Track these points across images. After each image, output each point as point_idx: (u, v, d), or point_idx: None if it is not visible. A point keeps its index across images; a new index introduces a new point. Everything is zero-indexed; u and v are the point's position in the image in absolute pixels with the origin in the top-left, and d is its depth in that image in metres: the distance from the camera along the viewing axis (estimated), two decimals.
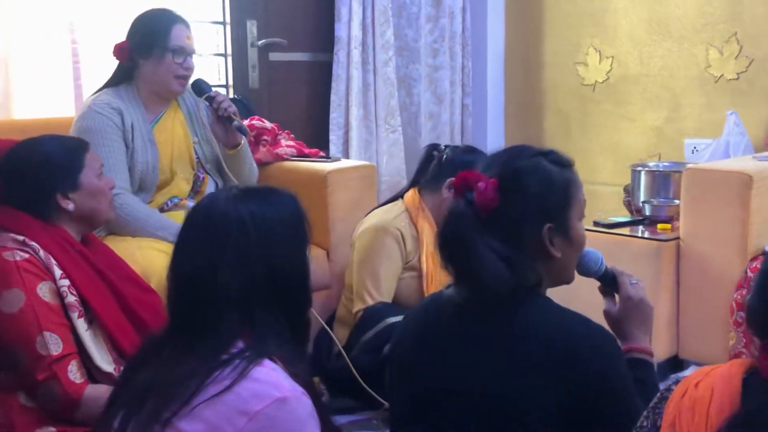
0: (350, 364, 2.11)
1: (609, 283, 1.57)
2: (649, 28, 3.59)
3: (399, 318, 2.17)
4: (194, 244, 1.34)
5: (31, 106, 2.82)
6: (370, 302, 2.27)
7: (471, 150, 2.47)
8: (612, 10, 3.71)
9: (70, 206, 1.81)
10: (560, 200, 1.39)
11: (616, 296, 1.57)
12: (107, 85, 2.47)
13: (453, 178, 2.28)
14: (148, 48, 2.40)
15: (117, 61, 2.48)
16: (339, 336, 2.37)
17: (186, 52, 2.43)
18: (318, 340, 2.42)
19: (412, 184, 2.50)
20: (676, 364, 2.66)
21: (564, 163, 1.43)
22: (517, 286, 1.32)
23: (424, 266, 2.35)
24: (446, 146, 2.46)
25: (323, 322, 2.25)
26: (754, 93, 3.28)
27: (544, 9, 3.98)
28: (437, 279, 2.35)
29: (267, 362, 1.24)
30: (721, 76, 3.38)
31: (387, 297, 2.31)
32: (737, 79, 3.34)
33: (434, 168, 2.42)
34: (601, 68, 3.77)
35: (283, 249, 1.34)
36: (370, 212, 2.53)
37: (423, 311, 1.50)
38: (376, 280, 2.29)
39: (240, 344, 1.27)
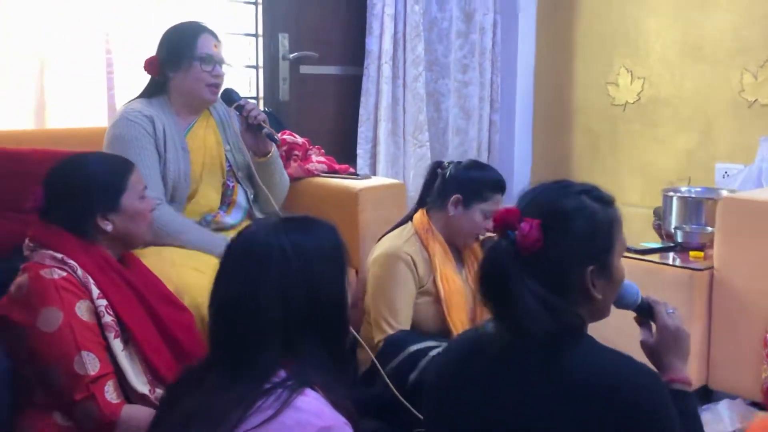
0: (389, 383, 2.08)
1: (645, 313, 1.56)
2: (682, 51, 3.56)
3: (421, 345, 2.15)
4: (236, 273, 1.35)
5: (65, 115, 2.82)
6: (389, 331, 2.24)
7: (475, 165, 2.43)
8: (645, 31, 3.69)
9: (109, 227, 1.81)
10: (604, 242, 1.37)
11: (653, 325, 1.55)
12: (140, 96, 2.48)
13: (458, 194, 2.32)
14: (177, 59, 2.41)
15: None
16: (362, 357, 2.35)
17: (214, 60, 2.44)
18: None
19: (419, 204, 2.47)
20: (705, 394, 2.63)
21: (607, 201, 1.41)
22: (559, 329, 1.30)
23: (440, 290, 2.31)
24: (450, 163, 2.43)
25: (362, 341, 2.23)
26: None
27: (575, 27, 3.96)
28: (455, 302, 2.32)
29: (309, 391, 1.25)
30: (755, 101, 3.35)
31: (405, 324, 2.27)
32: None
33: (439, 186, 2.39)
34: (633, 89, 3.74)
35: (323, 278, 1.35)
36: (382, 236, 2.50)
37: (465, 347, 1.48)
38: (392, 308, 2.26)
39: (282, 373, 1.27)
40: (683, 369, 1.49)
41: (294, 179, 2.83)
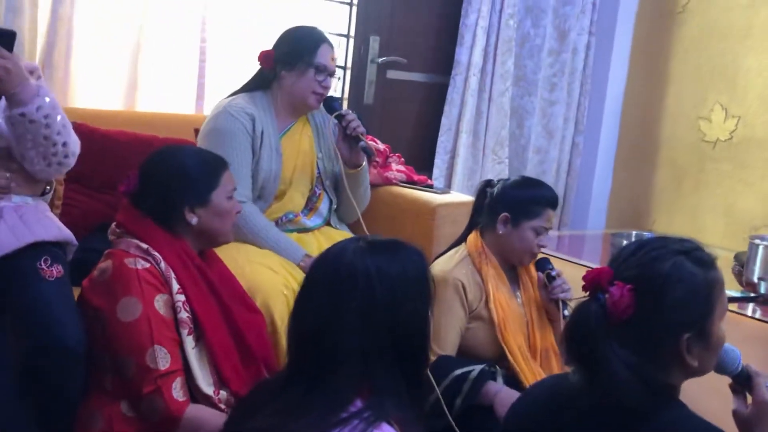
0: (449, 416, 2.05)
1: (743, 382, 1.48)
2: None
3: (465, 369, 2.10)
4: (319, 295, 1.33)
5: (155, 99, 2.86)
6: (432, 357, 2.20)
7: (523, 182, 2.32)
8: (745, 69, 3.56)
9: (194, 220, 1.81)
10: (702, 308, 1.29)
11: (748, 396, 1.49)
12: (243, 89, 2.49)
13: (506, 213, 2.24)
14: (294, 60, 2.41)
15: (244, 66, 2.50)
16: None
17: (328, 71, 2.44)
18: None
19: (471, 225, 2.40)
20: None
21: (708, 263, 1.32)
22: (648, 395, 1.24)
23: (494, 315, 2.25)
24: (499, 180, 2.35)
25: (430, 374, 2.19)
26: None
27: (671, 58, 3.85)
28: (510, 326, 2.26)
29: (385, 426, 1.22)
30: None
31: (450, 350, 2.21)
32: None
33: (488, 204, 2.30)
34: (726, 126, 3.62)
35: (406, 307, 1.32)
36: (436, 258, 2.44)
37: (551, 395, 1.43)
38: (437, 334, 2.20)
39: (358, 403, 1.25)
40: None
41: (372, 186, 2.80)
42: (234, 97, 2.45)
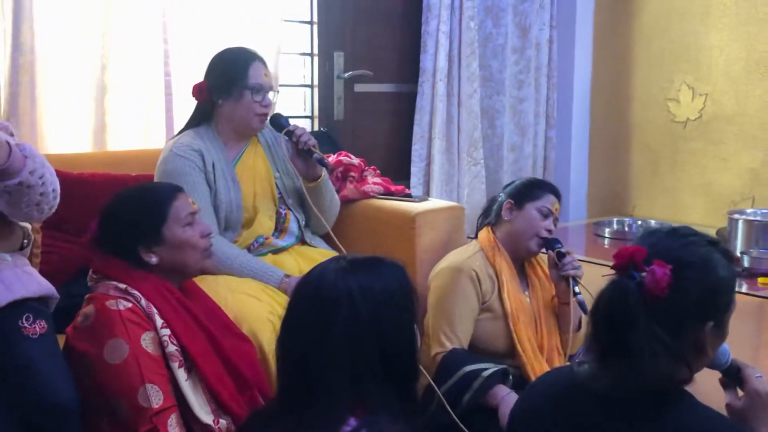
0: (454, 415, 2.06)
1: (733, 376, 1.50)
2: (747, 67, 3.47)
3: (475, 366, 2.12)
4: (304, 319, 1.34)
5: (125, 138, 2.85)
6: (448, 345, 2.22)
7: (531, 181, 2.44)
8: (707, 47, 3.60)
9: (154, 260, 1.81)
10: (726, 299, 1.33)
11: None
12: (187, 126, 2.49)
13: (510, 199, 2.30)
14: (228, 87, 2.40)
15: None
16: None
17: (264, 90, 2.43)
18: None
19: (483, 224, 2.47)
20: None
21: (731, 258, 1.37)
22: (670, 381, 1.26)
23: (507, 306, 2.29)
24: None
25: (426, 373, 2.20)
26: None
27: (633, 43, 3.88)
28: (522, 319, 2.29)
29: None
30: None
31: (464, 339, 2.25)
32: None
33: (496, 205, 2.43)
34: (694, 105, 3.65)
35: (392, 322, 1.33)
36: (451, 252, 2.50)
37: (560, 387, 1.42)
38: (451, 322, 2.24)
39: (352, 421, 1.25)
40: None
41: (350, 201, 2.81)
42: (179, 136, 2.46)
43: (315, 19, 3.35)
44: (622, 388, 1.27)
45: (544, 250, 2.35)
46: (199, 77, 2.49)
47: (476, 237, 2.46)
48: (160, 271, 1.83)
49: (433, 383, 2.08)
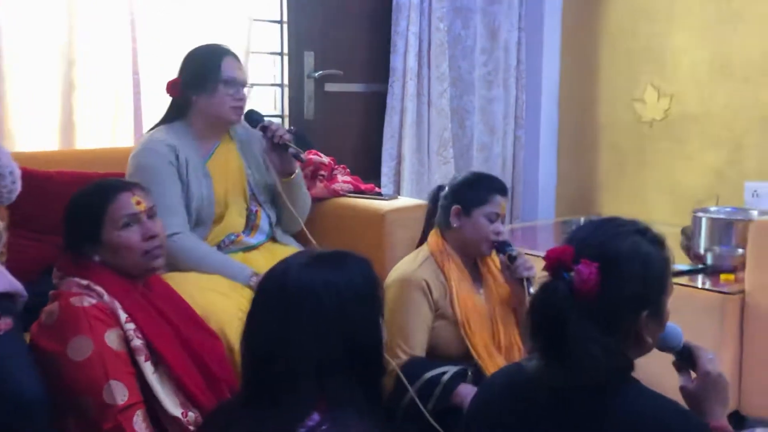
0: (425, 410, 2.06)
1: (686, 358, 1.53)
2: (711, 68, 3.53)
3: (434, 372, 2.12)
4: (267, 314, 1.33)
5: (92, 136, 2.83)
6: (403, 357, 2.20)
7: (469, 175, 2.39)
8: (672, 48, 3.65)
9: (97, 258, 1.81)
10: (659, 284, 1.35)
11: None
12: (162, 122, 2.49)
13: (458, 205, 2.29)
14: (201, 82, 2.41)
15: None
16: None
17: (238, 83, 2.44)
18: None
19: (430, 226, 2.44)
20: (737, 420, 2.59)
21: (660, 242, 1.38)
22: (610, 372, 1.28)
23: (458, 314, 2.28)
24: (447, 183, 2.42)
25: (401, 374, 2.20)
26: None
27: (600, 44, 3.93)
28: (474, 324, 2.28)
29: None
30: None
31: (419, 349, 2.23)
32: None
33: (442, 204, 2.37)
34: (660, 106, 3.71)
35: (356, 316, 1.33)
36: (401, 260, 2.47)
37: (509, 384, 1.44)
38: (405, 335, 2.22)
39: (315, 416, 1.25)
40: (723, 416, 1.47)
41: (320, 200, 2.82)
42: (153, 131, 2.45)
43: (285, 18, 3.35)
44: (567, 381, 1.29)
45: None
46: (168, 75, 2.49)
47: (425, 238, 2.44)
48: (114, 269, 1.82)
49: (407, 383, 2.08)
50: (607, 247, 1.32)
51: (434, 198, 2.42)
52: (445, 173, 3.70)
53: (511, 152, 4.02)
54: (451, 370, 2.14)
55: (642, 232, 1.36)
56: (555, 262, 1.31)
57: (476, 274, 2.37)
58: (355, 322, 1.32)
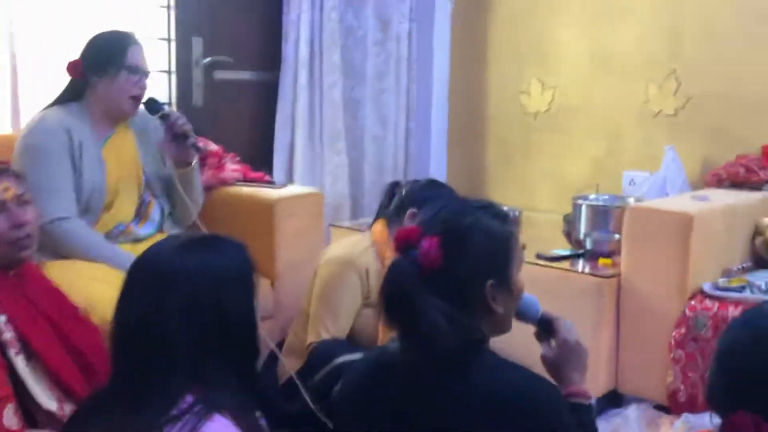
0: (308, 398, 2.07)
1: (545, 327, 1.59)
2: (591, 62, 3.67)
3: (348, 357, 2.14)
4: (139, 296, 1.30)
5: None
6: (325, 335, 2.24)
7: (431, 184, 2.47)
8: (555, 42, 3.78)
9: None
10: (502, 256, 1.42)
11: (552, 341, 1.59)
12: (56, 102, 2.40)
13: (415, 209, 2.33)
14: (104, 65, 2.35)
15: (60, 78, 2.42)
16: (289, 366, 2.33)
17: (141, 71, 2.40)
18: (263, 372, 2.38)
19: (378, 217, 2.49)
20: (614, 398, 2.71)
21: (504, 217, 1.47)
22: (462, 344, 1.33)
23: None
24: (407, 182, 2.48)
25: (280, 355, 2.20)
26: (691, 129, 3.38)
27: (488, 38, 4.03)
28: None
29: (218, 417, 1.22)
30: (659, 111, 3.48)
31: (342, 333, 2.27)
32: (675, 115, 3.44)
33: (397, 202, 2.42)
34: (544, 98, 3.83)
35: (230, 300, 1.32)
36: (341, 241, 2.50)
37: (372, 366, 1.48)
38: (334, 314, 2.26)
39: (189, 398, 1.24)
40: (582, 382, 1.54)
41: (207, 188, 2.78)
42: (47, 110, 2.36)
43: (172, 2, 3.28)
44: (424, 357, 1.34)
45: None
46: (48, 59, 2.41)
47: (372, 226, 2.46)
48: None
49: (296, 378, 2.09)
50: (450, 224, 1.39)
51: (389, 192, 2.47)
52: (337, 164, 3.72)
53: (404, 143, 4.06)
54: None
55: (484, 208, 1.44)
56: (402, 242, 1.38)
57: None
58: (228, 307, 1.31)
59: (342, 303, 2.27)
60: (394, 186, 2.48)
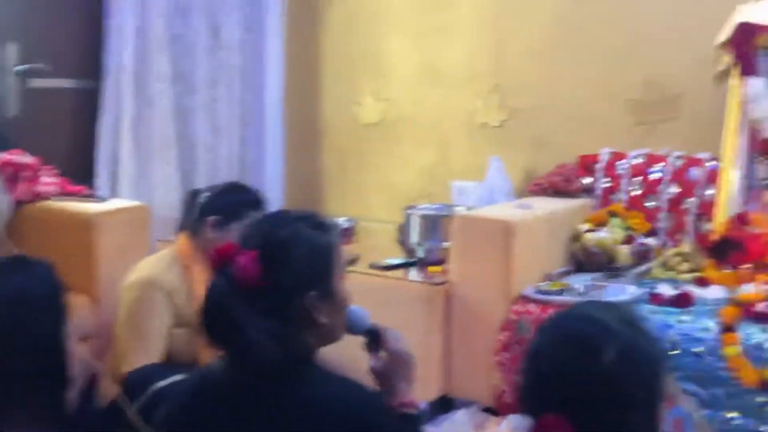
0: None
1: (374, 339, 1.59)
2: (422, 75, 3.76)
3: (167, 381, 2.05)
4: None
5: None
6: (136, 364, 2.12)
7: (231, 187, 2.40)
8: (387, 54, 3.84)
9: None
10: (324, 267, 1.40)
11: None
12: None
13: (215, 216, 2.27)
14: None
15: None
16: (111, 389, 2.21)
17: None
18: (84, 395, 2.24)
19: (180, 229, 2.39)
20: (445, 403, 2.77)
21: (325, 227, 1.44)
22: (286, 359, 1.30)
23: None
24: (207, 188, 2.39)
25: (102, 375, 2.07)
26: (515, 141, 3.53)
27: (321, 48, 4.04)
28: None
29: None
30: (485, 123, 3.61)
31: (155, 356, 2.16)
32: (500, 126, 3.58)
33: (197, 210, 2.33)
34: (377, 109, 3.89)
35: (38, 326, 1.25)
36: (144, 260, 2.38)
37: (195, 387, 1.43)
38: (143, 339, 2.15)
39: None
40: (410, 392, 1.54)
41: (21, 203, 2.61)
42: None
43: None
44: (248, 374, 1.31)
45: None
46: None
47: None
48: None
49: (126, 401, 1.99)
50: (268, 237, 1.36)
51: (190, 202, 2.35)
52: (168, 175, 3.59)
53: (238, 153, 3.98)
54: (180, 379, 2.07)
55: (304, 219, 1.42)
56: (218, 259, 1.34)
57: None
58: (36, 331, 1.23)
59: (149, 326, 2.16)
60: (194, 195, 2.37)
